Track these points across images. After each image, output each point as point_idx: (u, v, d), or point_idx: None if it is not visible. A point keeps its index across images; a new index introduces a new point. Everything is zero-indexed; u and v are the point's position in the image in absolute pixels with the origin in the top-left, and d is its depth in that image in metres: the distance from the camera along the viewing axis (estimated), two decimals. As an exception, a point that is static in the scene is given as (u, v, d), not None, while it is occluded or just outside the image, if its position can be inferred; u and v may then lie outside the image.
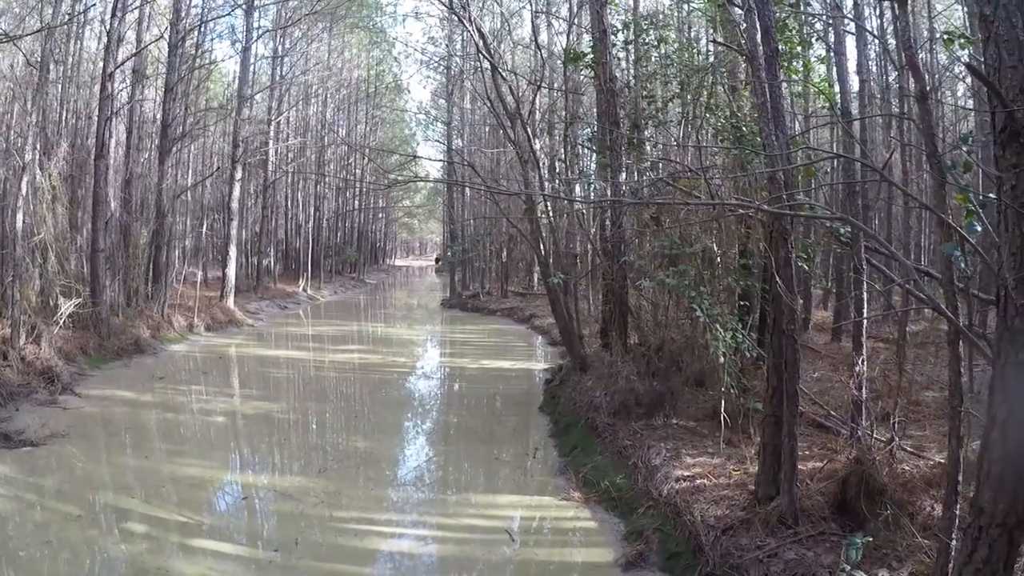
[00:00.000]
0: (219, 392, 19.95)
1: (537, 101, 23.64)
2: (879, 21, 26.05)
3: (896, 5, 8.32)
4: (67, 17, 25.02)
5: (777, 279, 8.40)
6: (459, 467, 14.11)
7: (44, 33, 20.44)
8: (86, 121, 29.86)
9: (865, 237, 9.81)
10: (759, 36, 8.74)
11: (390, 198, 77.54)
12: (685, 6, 24.90)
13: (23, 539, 9.63)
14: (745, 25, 10.31)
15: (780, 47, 9.37)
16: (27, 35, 22.25)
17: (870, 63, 24.08)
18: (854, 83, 21.36)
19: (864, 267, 10.05)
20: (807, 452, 10.10)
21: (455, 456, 14.77)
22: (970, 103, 26.20)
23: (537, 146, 23.93)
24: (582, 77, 26.49)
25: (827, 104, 19.97)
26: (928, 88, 7.01)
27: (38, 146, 20.58)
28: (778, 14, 11.28)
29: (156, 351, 24.33)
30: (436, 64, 50.34)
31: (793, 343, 8.52)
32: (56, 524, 10.01)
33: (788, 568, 7.63)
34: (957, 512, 6.58)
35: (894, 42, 21.17)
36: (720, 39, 15.66)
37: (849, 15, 18.44)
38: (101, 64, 27.64)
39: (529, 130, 20.52)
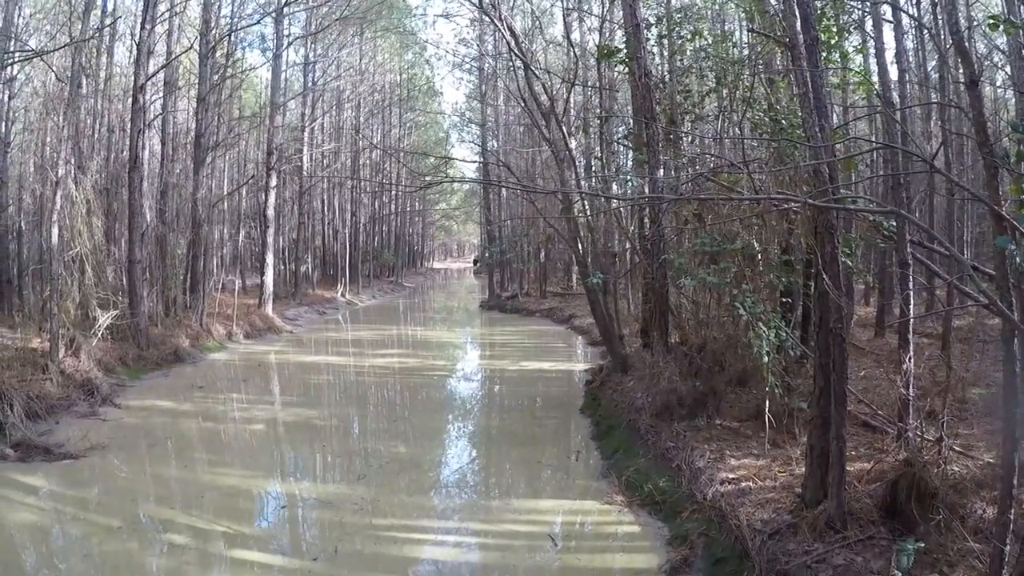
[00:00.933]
0: (259, 400, 19.98)
1: (571, 99, 23.45)
2: (915, 10, 25.71)
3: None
4: (94, 31, 25.15)
5: (823, 276, 8.18)
6: (500, 471, 14.02)
7: (74, 48, 20.57)
8: (120, 134, 30.14)
9: (911, 231, 9.58)
10: (799, 24, 8.55)
11: (426, 201, 77.96)
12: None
13: (64, 552, 9.69)
14: (782, 13, 10.13)
15: (819, 36, 9.15)
16: (55, 50, 22.50)
17: (908, 52, 23.74)
18: (892, 72, 21.06)
19: (911, 262, 9.80)
20: (853, 452, 9.87)
21: (496, 460, 14.68)
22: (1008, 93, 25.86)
23: (572, 144, 23.74)
24: (616, 74, 26.33)
25: (865, 95, 19.72)
26: (982, 79, 6.80)
27: (72, 160, 20.68)
28: (816, 2, 11.04)
29: (195, 360, 24.43)
30: (468, 66, 50.28)
31: (841, 342, 8.30)
32: (97, 536, 10.00)
33: (836, 574, 7.45)
34: (1012, 516, 6.38)
35: (933, 30, 20.79)
36: (756, 29, 15.45)
37: (890, 2, 18.10)
38: (132, 77, 27.84)
39: (564, 128, 20.37)
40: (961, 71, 8.20)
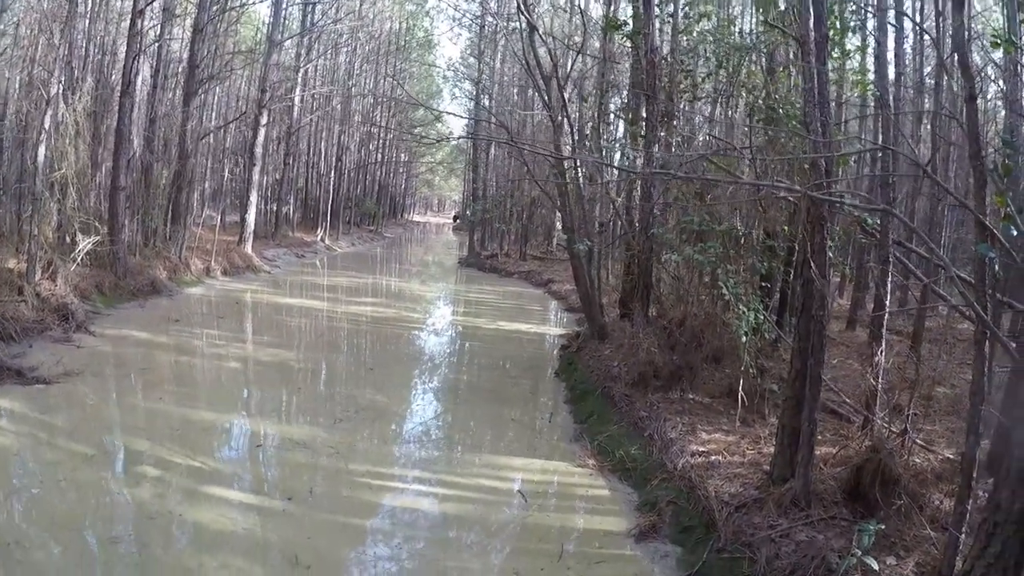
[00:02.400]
0: (235, 337, 20.08)
1: (574, 66, 23.44)
2: (919, 15, 25.80)
3: (952, 4, 8.20)
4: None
5: (811, 264, 8.34)
6: (474, 426, 14.11)
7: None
8: (111, 58, 29.76)
9: (893, 231, 9.74)
10: (811, 21, 8.65)
11: (412, 153, 77.60)
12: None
13: (36, 477, 9.70)
14: (794, 7, 10.19)
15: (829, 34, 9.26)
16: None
17: (907, 55, 23.82)
18: (889, 72, 21.14)
19: (891, 262, 9.99)
20: (820, 438, 10.02)
21: (470, 415, 14.77)
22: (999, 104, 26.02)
23: (572, 111, 23.75)
24: (616, 47, 26.25)
25: (862, 93, 19.80)
26: (976, 91, 6.93)
27: (63, 80, 20.48)
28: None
29: (172, 293, 24.44)
30: (469, 22, 49.98)
31: (821, 328, 8.49)
32: (69, 463, 10.03)
33: (799, 549, 7.64)
34: (969, 507, 6.59)
35: (933, 36, 20.89)
36: (762, 19, 15.51)
37: (897, 9, 18.21)
38: (129, 2, 27.55)
39: (564, 94, 20.36)
40: (958, 82, 8.34)
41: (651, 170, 13.84)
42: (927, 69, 26.66)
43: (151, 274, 24.07)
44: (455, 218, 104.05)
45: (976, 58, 24.28)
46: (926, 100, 25.18)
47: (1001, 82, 21.56)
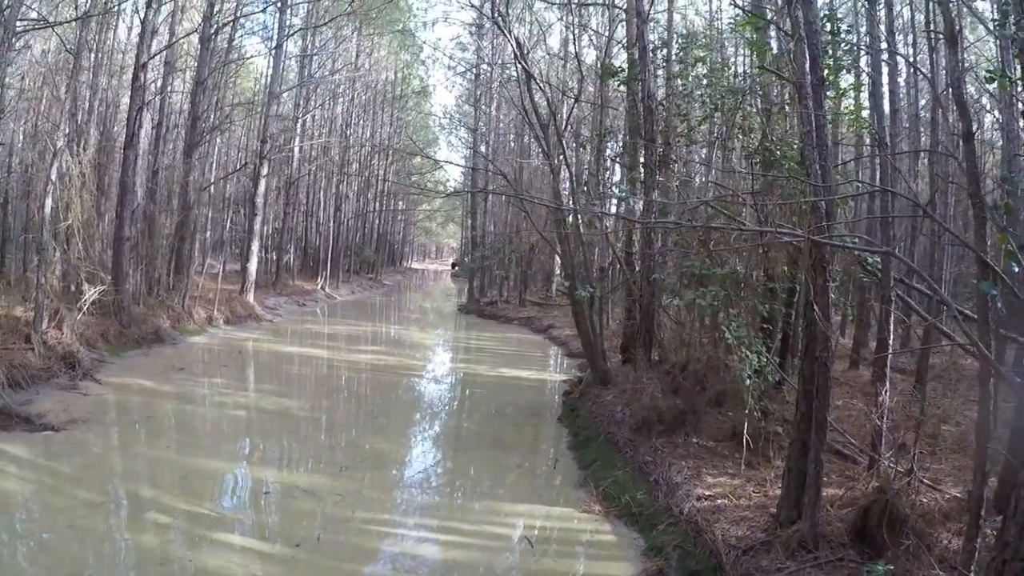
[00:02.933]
0: (238, 386, 20.09)
1: (572, 113, 23.67)
2: (911, 49, 26.05)
3: (946, 44, 8.35)
4: (104, 6, 25.14)
5: (814, 306, 8.42)
6: (479, 473, 14.09)
7: (82, 21, 20.58)
8: (114, 109, 30.08)
9: (894, 269, 9.83)
10: (807, 65, 8.78)
11: (410, 201, 77.86)
12: (718, 26, 24.90)
13: (45, 523, 9.75)
14: (784, 50, 10.35)
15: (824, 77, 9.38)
16: (67, 22, 22.49)
17: (900, 92, 24.03)
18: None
19: (893, 300, 10.08)
20: (825, 479, 10.08)
21: (473, 462, 14.75)
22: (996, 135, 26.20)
23: (571, 158, 23.95)
24: (611, 92, 26.53)
25: (857, 132, 19.97)
26: (974, 127, 7.06)
27: (68, 132, 20.69)
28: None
29: (176, 342, 24.46)
30: (464, 70, 50.48)
31: (825, 370, 8.55)
32: (79, 510, 10.07)
33: (807, 592, 7.67)
34: (977, 545, 6.63)
35: (927, 73, 21.13)
36: (757, 63, 15.70)
37: (890, 48, 18.42)
38: (131, 54, 27.94)
39: (564, 142, 20.56)
40: (955, 120, 8.50)
41: (654, 219, 13.96)
42: (922, 103, 26.92)
43: (155, 323, 24.14)
44: (453, 265, 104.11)
45: (971, 89, 24.51)
46: (922, 135, 25.40)
47: (997, 112, 21.73)
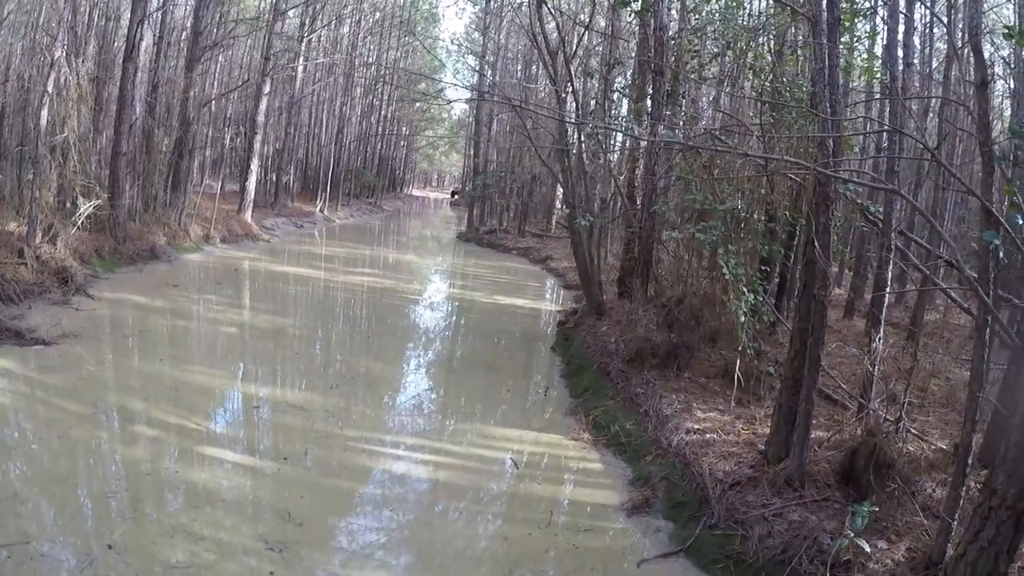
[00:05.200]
0: (232, 303, 20.12)
1: (581, 41, 23.37)
2: (930, 2, 25.74)
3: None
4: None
5: (815, 244, 8.34)
6: (469, 396, 14.17)
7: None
8: (115, 24, 29.62)
9: (896, 221, 9.73)
10: (824, 2, 8.62)
11: (413, 126, 77.40)
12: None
13: (35, 434, 9.74)
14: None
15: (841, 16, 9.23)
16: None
17: (915, 48, 23.75)
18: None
19: (893, 248, 9.98)
20: (814, 422, 10.11)
21: (465, 385, 14.86)
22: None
23: (578, 86, 23.69)
24: (623, 24, 26.17)
25: (869, 79, 19.73)
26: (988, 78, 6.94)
27: (66, 44, 20.39)
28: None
29: (171, 259, 24.36)
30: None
31: (822, 308, 8.50)
32: (67, 422, 10.04)
33: (792, 529, 7.69)
34: (963, 493, 6.64)
35: (944, 22, 20.86)
36: (771, 2, 15.48)
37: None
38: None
39: (573, 72, 20.32)
40: (969, 70, 8.38)
41: (661, 139, 13.79)
42: (935, 63, 26.65)
43: (150, 240, 23.99)
44: (453, 193, 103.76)
45: (987, 49, 24.28)
46: (934, 90, 25.16)
47: (1010, 77, 21.57)
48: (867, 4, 17.57)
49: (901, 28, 18.95)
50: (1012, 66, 20.63)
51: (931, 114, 24.60)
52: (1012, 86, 20.93)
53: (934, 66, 26.52)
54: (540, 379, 15.58)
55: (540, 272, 33.45)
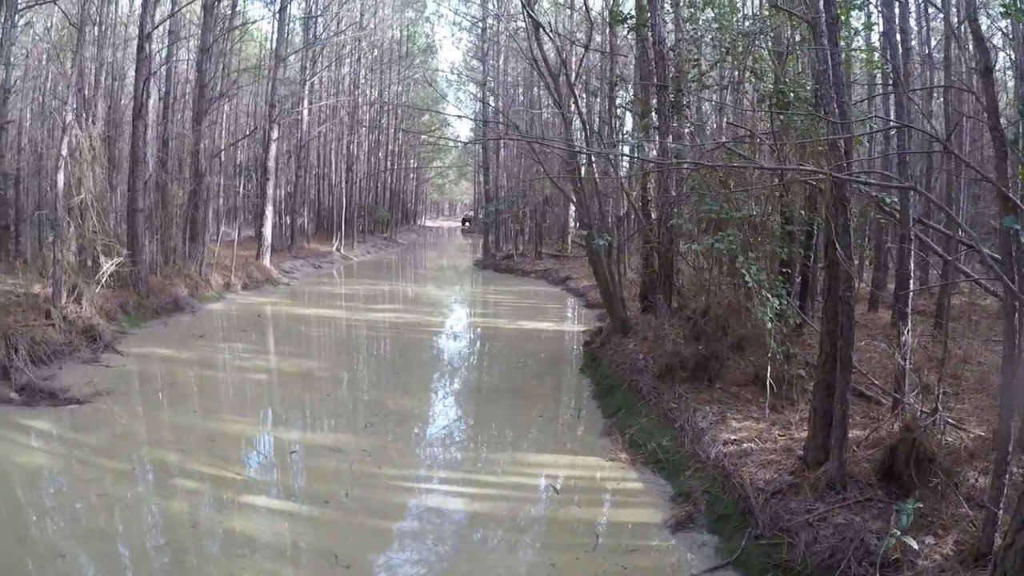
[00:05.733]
0: (259, 350, 20.16)
1: (582, 62, 23.46)
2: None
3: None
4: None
5: (836, 246, 8.35)
6: (502, 425, 14.11)
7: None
8: (120, 82, 29.99)
9: (913, 210, 9.72)
10: (821, 3, 8.66)
11: (421, 158, 77.72)
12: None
13: (75, 493, 9.77)
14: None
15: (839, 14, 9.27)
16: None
17: (912, 31, 23.73)
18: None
19: (913, 239, 9.98)
20: (850, 420, 10.07)
21: (498, 414, 14.77)
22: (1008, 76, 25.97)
23: (583, 107, 23.76)
24: (620, 40, 26.27)
25: (870, 72, 19.72)
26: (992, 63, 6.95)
27: (76, 107, 20.63)
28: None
29: (194, 309, 24.49)
30: (470, 25, 50.19)
31: (849, 309, 8.50)
32: (108, 479, 10.11)
33: (837, 532, 7.66)
34: (1006, 481, 6.59)
35: (939, 6, 20.90)
36: (768, 2, 15.51)
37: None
38: (134, 25, 27.75)
39: (576, 93, 20.40)
40: (971, 55, 8.40)
41: (673, 160, 13.83)
42: (934, 42, 26.62)
43: (173, 292, 24.17)
44: (464, 221, 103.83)
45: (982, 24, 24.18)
46: (936, 73, 25.16)
47: (1010, 50, 21.50)
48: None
49: (897, 12, 19.01)
50: (1011, 37, 20.56)
51: (935, 95, 24.57)
52: (1014, 57, 20.83)
53: (933, 44, 26.50)
54: (571, 402, 15.59)
55: (561, 293, 33.44)
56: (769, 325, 11.68)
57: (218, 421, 13.26)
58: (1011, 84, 25.50)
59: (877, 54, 18.29)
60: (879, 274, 22.23)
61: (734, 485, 9.18)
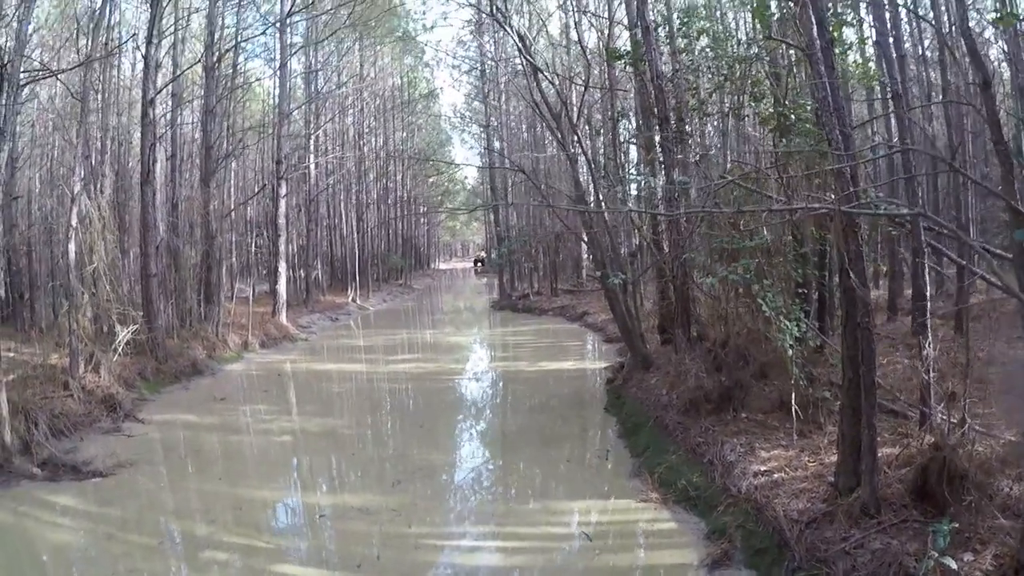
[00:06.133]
0: (281, 410, 20.06)
1: (582, 100, 23.57)
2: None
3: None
4: (106, 49, 25.25)
5: (849, 272, 8.30)
6: (530, 472, 14.02)
7: (85, 65, 20.65)
8: (127, 147, 30.25)
9: (925, 220, 9.67)
10: (815, 30, 8.66)
11: (431, 203, 78.09)
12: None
13: (104, 570, 9.72)
14: (785, 10, 10.22)
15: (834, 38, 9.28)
16: (70, 69, 22.57)
17: (904, 36, 23.74)
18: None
19: (925, 250, 9.92)
20: (878, 439, 9.98)
21: (525, 461, 14.68)
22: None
23: (587, 146, 23.83)
24: (619, 73, 26.36)
25: (867, 85, 19.73)
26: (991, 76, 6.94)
27: (83, 175, 20.78)
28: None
29: (214, 371, 24.51)
30: (468, 67, 50.55)
31: (868, 335, 8.45)
32: (136, 554, 10.08)
33: (875, 558, 7.58)
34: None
35: (931, 22, 20.94)
36: (761, 29, 15.55)
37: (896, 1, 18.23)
38: (137, 89, 28.08)
39: (579, 131, 20.45)
40: (969, 69, 8.41)
41: (683, 211, 13.83)
42: (927, 42, 26.61)
43: (191, 355, 24.19)
44: (475, 262, 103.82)
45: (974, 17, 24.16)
46: (933, 72, 25.18)
47: (1003, 43, 21.50)
48: (850, 12, 17.65)
49: (888, 22, 19.02)
50: (1008, 53, 20.58)
51: (934, 94, 24.52)
52: (1007, 49, 20.81)
53: (927, 44, 26.50)
54: (598, 443, 15.51)
55: (579, 330, 33.46)
56: (790, 352, 11.62)
57: (244, 487, 13.20)
58: (1007, 75, 25.38)
59: (872, 66, 18.32)
60: (895, 283, 22.13)
61: (768, 518, 9.09)
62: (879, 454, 8.76)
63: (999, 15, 7.52)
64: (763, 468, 10.56)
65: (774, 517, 8.96)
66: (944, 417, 8.97)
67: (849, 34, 17.66)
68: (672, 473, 11.78)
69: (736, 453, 11.37)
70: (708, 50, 17.95)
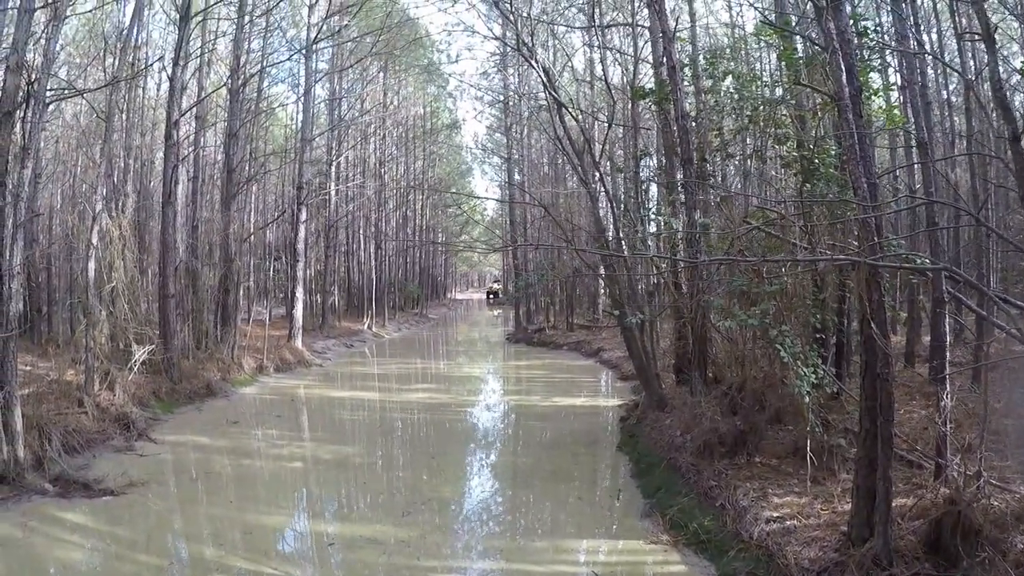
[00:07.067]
0: (294, 436, 20.07)
1: (607, 136, 23.62)
2: (935, 36, 25.85)
3: (985, 44, 8.20)
4: (132, 69, 25.46)
5: (871, 323, 8.27)
6: (542, 509, 13.95)
7: (110, 86, 20.81)
8: (149, 167, 30.44)
9: (946, 271, 9.65)
10: (844, 77, 8.66)
11: (449, 233, 78.19)
12: (740, 32, 24.78)
13: (117, 591, 9.73)
14: (811, 53, 10.24)
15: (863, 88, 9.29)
16: (96, 89, 22.73)
17: (929, 82, 23.76)
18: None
19: (946, 300, 9.90)
20: (892, 489, 9.93)
21: (537, 498, 14.61)
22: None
23: (608, 184, 23.88)
24: (641, 110, 26.44)
25: (891, 129, 19.72)
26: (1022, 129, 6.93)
27: (105, 193, 20.92)
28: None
29: (228, 394, 24.54)
30: (492, 99, 50.73)
31: (887, 386, 8.40)
32: (146, 574, 10.12)
33: (886, 612, 7.51)
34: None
35: (958, 69, 20.94)
36: (787, 71, 15.58)
37: (916, 39, 18.24)
38: (161, 110, 28.31)
39: (601, 168, 20.49)
40: (998, 121, 8.42)
41: (708, 258, 13.81)
42: (952, 85, 26.60)
43: (205, 377, 24.25)
44: (489, 294, 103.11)
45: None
46: (957, 121, 25.16)
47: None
48: (877, 59, 17.65)
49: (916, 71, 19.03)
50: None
51: (958, 140, 24.46)
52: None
53: (951, 88, 26.48)
54: (609, 482, 15.46)
55: (594, 366, 33.37)
56: (807, 398, 11.57)
57: (254, 512, 13.18)
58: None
59: (897, 112, 18.32)
60: (912, 334, 21.99)
61: (779, 565, 9.04)
62: (894, 502, 8.71)
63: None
64: (776, 514, 10.49)
65: (785, 565, 8.90)
66: (960, 470, 8.91)
67: (875, 77, 17.53)
68: (684, 515, 11.71)
69: (749, 498, 11.30)
70: (733, 91, 17.97)
